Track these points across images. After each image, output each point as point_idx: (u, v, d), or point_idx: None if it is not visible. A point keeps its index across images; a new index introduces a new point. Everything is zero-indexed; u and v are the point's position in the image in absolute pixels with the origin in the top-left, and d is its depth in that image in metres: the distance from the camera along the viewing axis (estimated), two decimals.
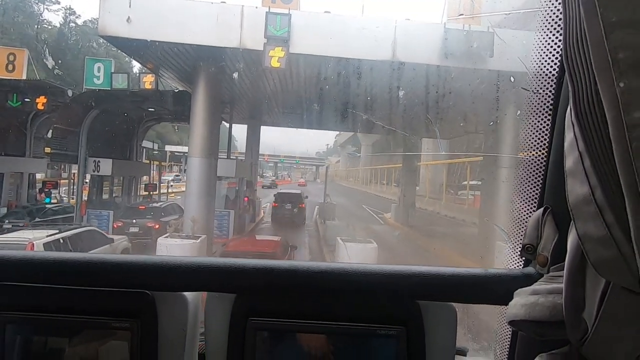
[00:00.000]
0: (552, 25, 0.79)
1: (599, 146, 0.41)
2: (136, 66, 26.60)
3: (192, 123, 12.81)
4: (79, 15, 43.63)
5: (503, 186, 9.73)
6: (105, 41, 14.54)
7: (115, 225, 13.72)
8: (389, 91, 12.34)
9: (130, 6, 10.43)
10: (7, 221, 12.95)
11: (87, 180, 16.46)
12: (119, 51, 14.65)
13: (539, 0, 0.80)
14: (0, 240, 8.80)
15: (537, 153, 0.86)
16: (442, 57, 10.58)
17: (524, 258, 0.86)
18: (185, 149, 19.09)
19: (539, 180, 0.85)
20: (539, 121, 0.84)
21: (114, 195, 19.05)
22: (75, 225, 11.49)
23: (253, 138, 21.56)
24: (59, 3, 37.95)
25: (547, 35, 0.80)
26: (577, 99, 0.43)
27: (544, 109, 0.83)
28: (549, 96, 0.81)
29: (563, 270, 0.58)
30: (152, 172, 22.55)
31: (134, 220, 13.99)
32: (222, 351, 0.88)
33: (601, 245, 0.43)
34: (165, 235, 11.97)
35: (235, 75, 13.10)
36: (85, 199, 15.69)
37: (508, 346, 0.90)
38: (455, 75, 10.75)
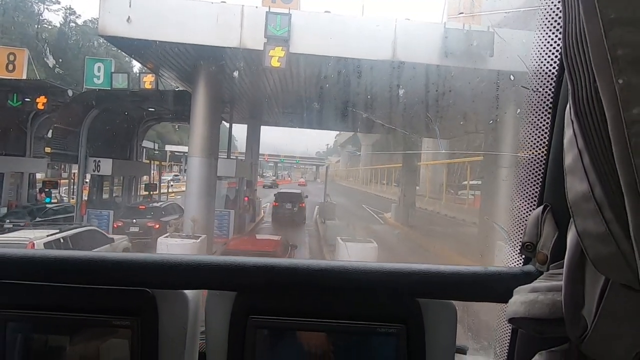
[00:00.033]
0: (551, 24, 0.79)
1: (598, 143, 0.41)
2: (136, 66, 26.66)
3: (192, 123, 12.81)
4: (79, 15, 43.80)
5: (503, 185, 9.70)
6: (105, 41, 14.53)
7: (115, 225, 13.73)
8: (389, 90, 12.32)
9: (130, 6, 10.43)
10: (7, 221, 13.00)
11: (87, 180, 16.45)
12: (119, 51, 14.68)
13: None
14: (1, 239, 8.83)
15: (536, 151, 0.86)
16: (442, 57, 10.58)
17: (523, 256, 0.86)
18: (185, 148, 19.05)
19: (538, 178, 0.85)
20: (538, 119, 0.84)
21: (114, 195, 19.04)
22: (76, 225, 11.50)
23: (253, 138, 21.52)
24: (59, 3, 38.06)
25: (546, 33, 0.80)
26: (576, 96, 0.43)
27: (543, 107, 0.83)
28: (549, 94, 0.81)
29: (562, 267, 0.59)
30: (152, 172, 22.55)
31: (134, 220, 14.01)
32: (222, 349, 0.88)
33: (600, 242, 0.44)
34: (165, 235, 11.97)
35: (236, 74, 13.09)
36: (86, 198, 15.69)
37: (508, 344, 0.90)
38: (455, 74, 10.74)
